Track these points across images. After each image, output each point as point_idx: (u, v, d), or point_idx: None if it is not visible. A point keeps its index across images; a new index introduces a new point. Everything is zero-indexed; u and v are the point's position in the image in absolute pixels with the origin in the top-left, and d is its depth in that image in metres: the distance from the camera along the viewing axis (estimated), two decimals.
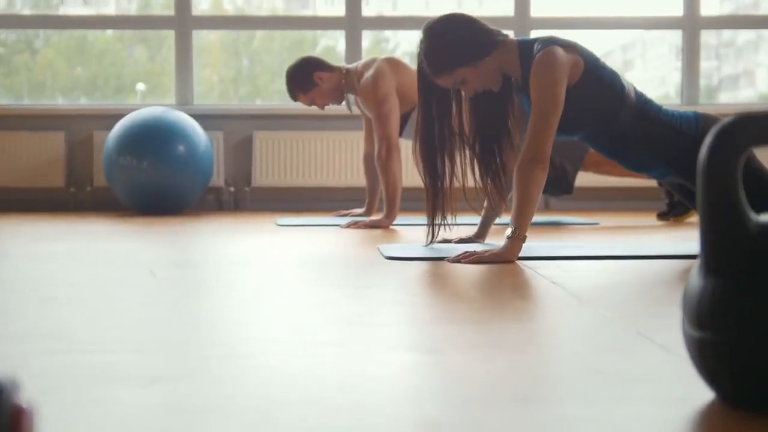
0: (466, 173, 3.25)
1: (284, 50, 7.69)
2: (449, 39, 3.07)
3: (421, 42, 3.13)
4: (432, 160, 3.19)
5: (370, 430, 1.12)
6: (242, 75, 7.72)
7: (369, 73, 4.64)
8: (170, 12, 6.35)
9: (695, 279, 1.25)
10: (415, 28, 6.97)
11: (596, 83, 3.03)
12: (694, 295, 1.24)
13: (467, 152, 3.23)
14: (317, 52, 7.44)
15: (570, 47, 3.05)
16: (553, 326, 1.90)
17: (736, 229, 1.20)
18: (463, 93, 3.17)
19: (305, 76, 4.76)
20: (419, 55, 3.13)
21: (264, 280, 2.63)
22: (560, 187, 4.86)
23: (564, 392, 1.33)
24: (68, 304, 2.15)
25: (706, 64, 10.41)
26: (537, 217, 5.18)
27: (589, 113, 3.06)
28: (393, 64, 4.70)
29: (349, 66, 4.85)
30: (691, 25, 6.38)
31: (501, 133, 3.22)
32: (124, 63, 7.52)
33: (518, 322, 1.93)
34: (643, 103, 3.10)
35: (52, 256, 3.23)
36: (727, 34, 9.28)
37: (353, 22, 6.31)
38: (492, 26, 3.15)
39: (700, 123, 3.07)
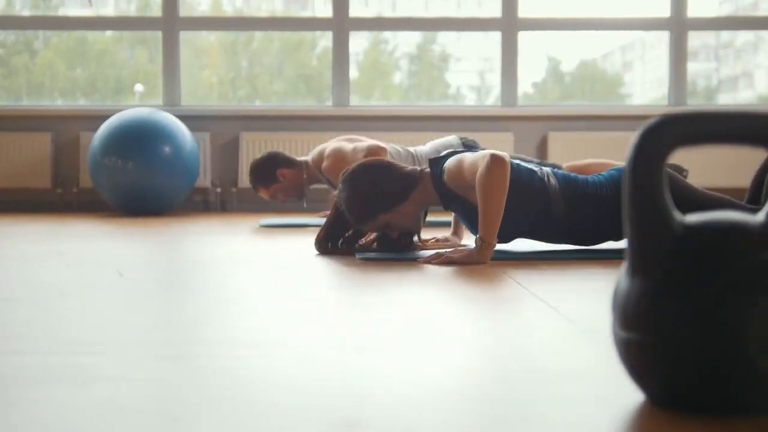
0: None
1: (283, 51, 7.69)
2: (367, 189, 3.09)
3: (340, 192, 3.14)
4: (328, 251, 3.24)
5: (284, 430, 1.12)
6: (241, 76, 7.72)
7: (328, 153, 4.70)
8: (158, 13, 6.36)
9: (622, 279, 1.25)
10: (406, 29, 7.01)
11: (516, 186, 2.97)
12: (621, 295, 1.24)
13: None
14: (316, 54, 7.44)
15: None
16: (502, 325, 1.90)
17: (660, 230, 1.20)
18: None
19: (269, 172, 4.88)
20: (339, 204, 3.15)
21: (229, 280, 2.63)
22: None
23: (499, 392, 1.33)
24: (28, 305, 2.15)
25: (705, 66, 10.38)
26: None
27: (520, 218, 3.03)
28: (347, 138, 4.80)
29: (307, 158, 4.91)
30: (678, 26, 6.38)
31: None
32: (123, 64, 7.53)
33: (468, 322, 1.93)
34: (566, 184, 3.06)
35: (29, 257, 3.23)
36: (725, 35, 9.26)
37: (340, 23, 6.31)
38: (406, 166, 3.18)
39: None
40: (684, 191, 2.96)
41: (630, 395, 1.27)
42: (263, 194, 4.96)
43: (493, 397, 1.31)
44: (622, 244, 3.29)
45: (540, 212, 3.05)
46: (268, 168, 4.88)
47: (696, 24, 6.55)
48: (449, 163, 3.04)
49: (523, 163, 3.13)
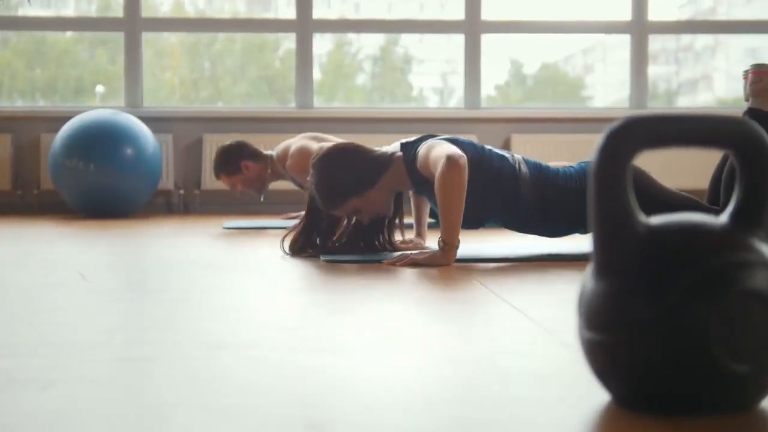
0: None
1: (246, 53, 7.66)
2: (337, 173, 3.09)
3: (311, 176, 3.14)
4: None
5: None
6: (204, 77, 7.68)
7: (292, 151, 4.70)
8: (120, 14, 6.31)
9: (588, 281, 1.25)
10: (370, 31, 7.01)
11: (487, 173, 3.03)
12: (585, 297, 1.25)
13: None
14: (279, 55, 7.42)
15: (450, 141, 3.06)
16: (468, 327, 1.90)
17: (624, 231, 1.21)
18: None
19: (234, 161, 4.91)
20: (310, 188, 3.14)
21: (193, 283, 2.61)
22: None
23: (464, 393, 1.33)
24: None
25: (665, 69, 10.49)
26: None
27: (489, 204, 3.07)
28: (312, 136, 4.81)
29: (272, 153, 4.92)
30: (639, 29, 6.43)
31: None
32: (84, 65, 7.46)
33: (434, 323, 1.93)
34: (537, 174, 3.09)
35: None
36: (685, 39, 9.36)
37: (304, 25, 6.29)
38: (377, 149, 3.17)
39: None
40: (650, 188, 3.00)
41: (595, 396, 1.27)
42: (224, 181, 5.00)
43: (455, 398, 1.31)
44: (587, 239, 3.31)
45: (509, 199, 3.07)
46: (234, 157, 4.91)
47: (657, 28, 6.61)
48: (421, 149, 3.04)
49: (495, 149, 3.14)
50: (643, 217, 1.23)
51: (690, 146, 1.24)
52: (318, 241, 3.21)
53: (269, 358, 1.55)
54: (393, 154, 3.15)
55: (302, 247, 3.20)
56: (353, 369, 1.47)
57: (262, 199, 5.16)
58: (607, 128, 1.23)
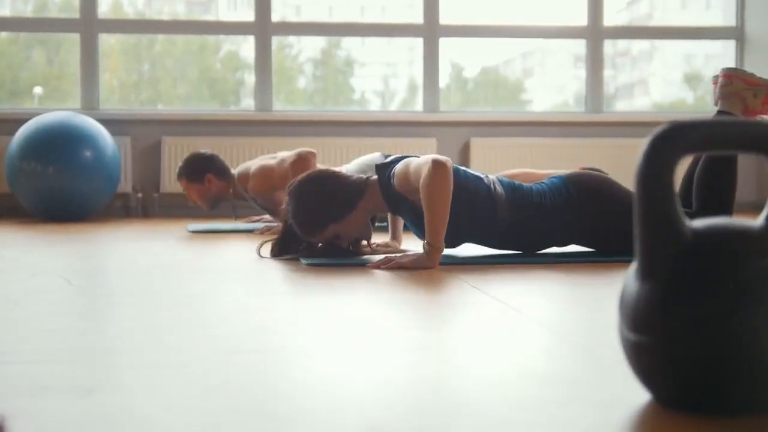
0: None
1: (187, 54, 7.59)
2: (315, 201, 3.09)
3: (288, 204, 3.13)
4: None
5: None
6: (144, 79, 7.59)
7: (253, 171, 4.76)
8: (75, 14, 6.22)
9: (631, 283, 1.28)
10: (324, 34, 6.99)
11: (464, 192, 3.04)
12: (630, 298, 1.27)
13: None
14: (220, 57, 7.37)
15: None
16: (481, 331, 1.91)
17: (670, 235, 1.23)
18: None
19: (200, 170, 4.89)
20: (288, 216, 3.14)
21: (181, 287, 2.59)
22: None
23: (498, 396, 1.34)
24: None
25: (604, 73, 10.67)
26: None
27: (466, 224, 3.09)
28: (269, 156, 4.89)
29: (234, 172, 4.93)
30: (595, 34, 6.52)
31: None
32: (21, 66, 7.31)
33: (444, 327, 1.94)
34: (512, 192, 3.13)
35: None
36: (622, 43, 9.50)
37: (263, 28, 6.27)
38: (352, 175, 3.18)
39: (568, 185, 3.15)
40: (617, 189, 3.14)
41: (633, 397, 1.30)
42: (182, 185, 4.96)
43: (491, 401, 1.32)
44: (564, 249, 3.34)
45: (486, 218, 3.09)
46: (202, 167, 4.88)
47: (612, 33, 6.71)
48: (398, 167, 3.05)
49: (469, 170, 3.16)
50: (687, 221, 1.25)
51: (727, 150, 1.27)
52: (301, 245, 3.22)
53: (296, 362, 1.55)
54: (368, 177, 3.17)
55: (282, 251, 3.21)
56: (384, 373, 1.48)
57: (234, 218, 5.19)
58: (652, 133, 1.25)
